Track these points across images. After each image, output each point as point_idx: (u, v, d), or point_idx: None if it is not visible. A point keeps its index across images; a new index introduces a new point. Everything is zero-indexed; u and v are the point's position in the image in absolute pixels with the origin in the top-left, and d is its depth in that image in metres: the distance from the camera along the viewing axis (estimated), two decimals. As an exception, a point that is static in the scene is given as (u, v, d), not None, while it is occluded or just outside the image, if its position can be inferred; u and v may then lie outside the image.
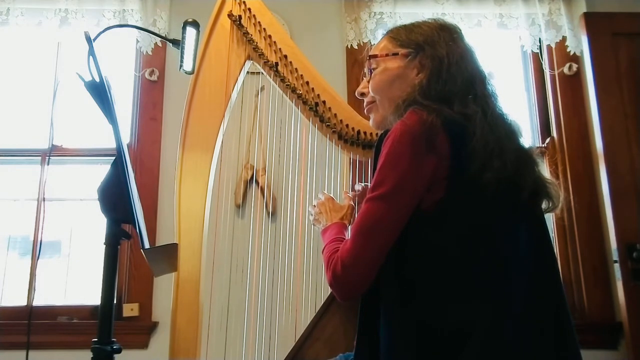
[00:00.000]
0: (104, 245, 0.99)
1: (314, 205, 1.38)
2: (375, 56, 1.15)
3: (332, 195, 1.41)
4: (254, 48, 1.58)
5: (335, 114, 1.53)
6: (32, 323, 1.89)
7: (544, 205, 1.03)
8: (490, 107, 0.99)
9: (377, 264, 0.94)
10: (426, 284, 0.91)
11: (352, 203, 1.36)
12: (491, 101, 1.02)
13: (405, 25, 1.15)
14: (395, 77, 1.10)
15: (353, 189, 1.43)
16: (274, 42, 1.59)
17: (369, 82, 1.17)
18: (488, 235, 0.92)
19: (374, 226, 0.93)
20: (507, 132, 0.98)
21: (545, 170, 1.06)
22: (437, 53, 1.05)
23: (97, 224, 2.33)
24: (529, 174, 0.97)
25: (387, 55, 1.13)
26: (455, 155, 0.91)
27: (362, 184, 1.44)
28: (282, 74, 1.56)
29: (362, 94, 1.21)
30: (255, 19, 1.60)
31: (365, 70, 1.20)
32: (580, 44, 2.49)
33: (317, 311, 1.42)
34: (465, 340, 0.86)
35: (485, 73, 1.07)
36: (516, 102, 2.63)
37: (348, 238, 0.98)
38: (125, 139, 2.47)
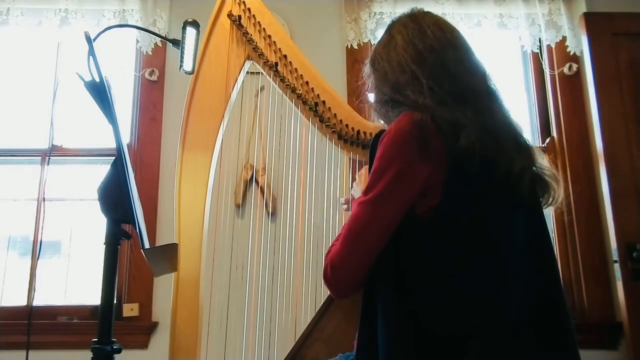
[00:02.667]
0: (104, 245, 0.99)
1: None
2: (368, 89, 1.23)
3: (330, 195, 1.41)
4: (253, 48, 1.58)
5: (335, 114, 1.53)
6: (32, 323, 1.89)
7: (542, 199, 1.02)
8: (427, 87, 0.97)
9: (366, 266, 0.95)
10: (424, 288, 0.91)
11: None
12: (433, 80, 0.98)
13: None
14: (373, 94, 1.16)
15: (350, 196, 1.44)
16: (274, 42, 1.59)
17: None
18: (485, 237, 0.92)
19: (362, 230, 0.93)
20: (463, 106, 0.95)
21: (545, 161, 1.04)
22: (377, 59, 1.10)
23: (97, 224, 2.33)
24: (514, 158, 0.95)
25: (367, 83, 1.19)
26: (450, 155, 0.91)
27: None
28: (281, 74, 1.56)
29: None
30: (255, 19, 1.60)
31: None
32: (580, 44, 2.49)
33: (317, 310, 1.43)
34: (464, 343, 0.86)
35: (425, 46, 1.03)
36: (516, 102, 2.63)
37: (339, 238, 0.98)
38: (125, 139, 2.47)
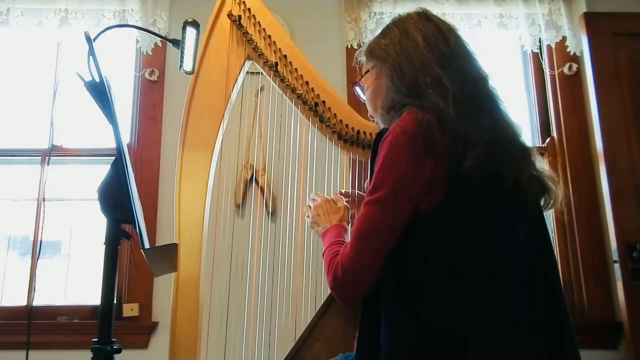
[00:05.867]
0: (104, 245, 0.99)
1: (309, 207, 1.38)
2: (359, 81, 1.20)
3: (330, 195, 1.41)
4: (253, 48, 1.58)
5: (335, 114, 1.53)
6: (32, 323, 1.89)
7: (542, 202, 1.02)
8: (452, 94, 0.95)
9: (377, 267, 0.93)
10: (425, 287, 0.91)
11: (346, 204, 1.35)
12: (456, 86, 0.97)
13: (375, 37, 1.16)
14: (375, 92, 1.12)
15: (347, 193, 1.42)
16: (274, 42, 1.59)
17: None
18: (487, 237, 0.92)
19: (373, 230, 0.93)
20: (480, 116, 0.95)
21: (542, 163, 1.05)
22: (391, 54, 1.06)
23: (97, 224, 2.33)
24: (522, 167, 0.96)
25: (363, 75, 1.16)
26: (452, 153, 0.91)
27: (356, 192, 1.42)
28: (281, 74, 1.56)
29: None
30: (255, 19, 1.60)
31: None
32: (580, 44, 2.49)
33: (317, 311, 1.43)
34: (465, 343, 0.86)
35: (447, 50, 1.02)
36: (516, 102, 2.63)
37: (348, 241, 0.98)
38: (125, 139, 2.47)
